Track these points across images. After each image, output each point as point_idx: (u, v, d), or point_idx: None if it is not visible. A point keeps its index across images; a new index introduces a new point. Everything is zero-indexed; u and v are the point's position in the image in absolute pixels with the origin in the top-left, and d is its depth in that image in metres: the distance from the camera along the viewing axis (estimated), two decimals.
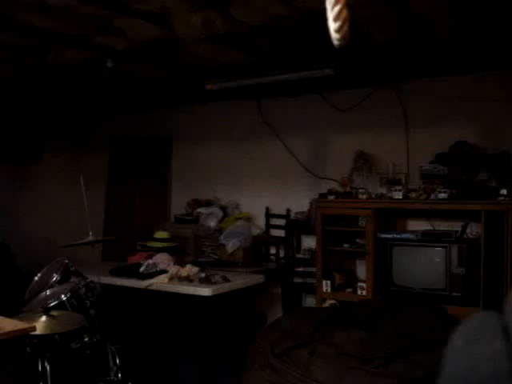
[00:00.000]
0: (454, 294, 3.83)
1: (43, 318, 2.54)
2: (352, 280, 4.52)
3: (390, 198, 4.22)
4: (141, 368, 3.46)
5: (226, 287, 3.72)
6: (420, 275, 3.99)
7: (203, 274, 3.80)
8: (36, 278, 3.10)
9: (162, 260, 4.07)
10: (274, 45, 3.66)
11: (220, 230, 5.09)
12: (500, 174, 3.92)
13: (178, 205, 5.84)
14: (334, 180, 4.75)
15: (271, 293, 4.96)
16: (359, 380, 2.74)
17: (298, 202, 4.95)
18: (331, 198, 4.52)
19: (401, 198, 4.17)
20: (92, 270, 3.58)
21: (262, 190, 5.28)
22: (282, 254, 5.06)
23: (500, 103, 4.11)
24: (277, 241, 5.10)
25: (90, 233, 3.29)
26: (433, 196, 4.02)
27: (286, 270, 4.90)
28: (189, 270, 3.86)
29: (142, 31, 3.32)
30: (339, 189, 4.60)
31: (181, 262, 4.14)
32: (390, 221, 4.42)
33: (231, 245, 4.75)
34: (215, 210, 5.37)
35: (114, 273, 3.99)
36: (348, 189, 4.57)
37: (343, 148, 4.83)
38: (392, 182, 4.34)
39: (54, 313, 2.61)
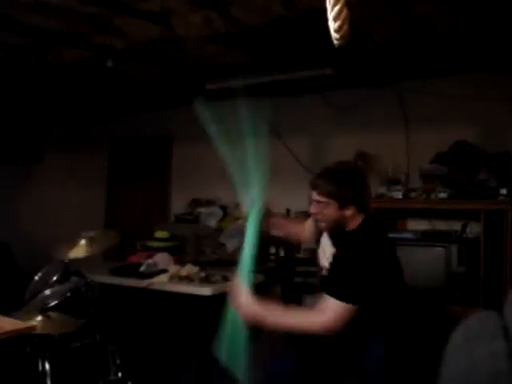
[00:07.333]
0: (454, 293, 3.83)
1: (39, 318, 2.54)
2: None
3: (390, 197, 4.22)
4: (141, 368, 3.47)
5: (226, 287, 3.71)
6: (420, 275, 3.98)
7: (203, 274, 3.80)
8: (36, 278, 3.10)
9: (162, 260, 4.07)
10: (274, 45, 3.66)
11: (220, 230, 5.08)
12: (500, 174, 3.92)
13: (177, 205, 5.84)
14: None
15: (271, 293, 4.96)
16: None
17: (298, 201, 4.95)
18: None
19: (401, 197, 4.17)
20: (92, 269, 3.58)
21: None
22: (282, 253, 5.06)
23: (500, 103, 4.11)
24: (277, 240, 5.10)
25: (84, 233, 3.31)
26: (433, 196, 4.02)
27: (286, 269, 4.90)
28: (189, 269, 3.86)
29: (142, 31, 3.32)
30: None
31: (181, 262, 4.14)
32: (390, 220, 4.41)
33: (231, 244, 4.74)
34: (215, 209, 5.37)
35: (114, 273, 3.99)
36: None
37: (343, 148, 4.82)
38: (392, 182, 4.34)
39: (50, 314, 2.60)
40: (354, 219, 2.18)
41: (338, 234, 2.24)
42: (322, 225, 2.25)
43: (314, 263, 4.54)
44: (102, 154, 6.59)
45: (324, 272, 2.30)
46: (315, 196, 2.19)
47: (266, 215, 2.40)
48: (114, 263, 4.29)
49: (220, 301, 3.67)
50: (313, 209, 2.22)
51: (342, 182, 2.15)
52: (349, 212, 2.16)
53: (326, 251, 2.32)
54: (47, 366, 2.50)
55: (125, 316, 3.80)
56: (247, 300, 2.13)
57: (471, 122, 4.28)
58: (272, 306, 2.13)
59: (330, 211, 2.16)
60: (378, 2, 2.84)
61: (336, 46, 1.05)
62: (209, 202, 5.50)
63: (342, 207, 2.15)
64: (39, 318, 2.55)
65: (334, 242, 2.27)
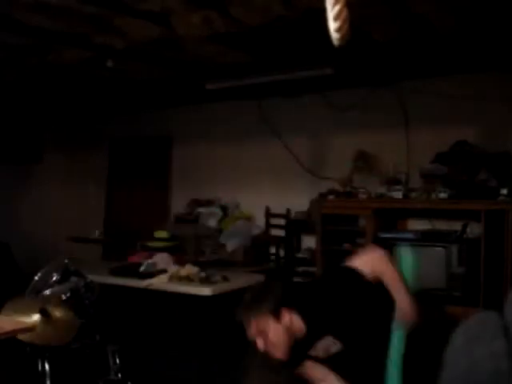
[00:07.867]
0: (454, 293, 3.83)
1: (38, 319, 2.51)
2: None
3: (390, 197, 4.22)
4: (141, 368, 3.46)
5: (226, 287, 3.71)
6: (420, 275, 3.98)
7: (203, 274, 3.79)
8: (36, 278, 3.09)
9: (161, 260, 4.07)
10: (274, 45, 3.66)
11: (220, 230, 5.08)
12: (500, 174, 3.91)
13: (177, 205, 5.84)
14: (334, 180, 4.75)
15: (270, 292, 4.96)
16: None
17: (298, 201, 4.95)
18: (331, 197, 4.52)
19: (401, 197, 4.17)
20: (92, 269, 3.58)
21: (262, 190, 5.28)
22: (282, 253, 5.05)
23: (500, 103, 4.11)
24: (277, 240, 5.10)
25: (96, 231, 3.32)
26: (433, 196, 4.02)
27: (286, 269, 4.90)
28: (189, 269, 3.85)
29: (142, 31, 3.32)
30: (339, 189, 4.60)
31: (181, 262, 4.14)
32: (390, 220, 4.41)
33: (231, 244, 4.74)
34: (215, 209, 5.37)
35: (114, 273, 3.99)
36: (348, 189, 4.56)
37: (343, 148, 4.82)
38: (392, 182, 4.34)
39: (50, 312, 2.58)
40: (296, 324, 2.12)
41: (327, 327, 2.15)
42: (278, 354, 2.14)
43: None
44: (102, 154, 6.59)
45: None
46: (254, 326, 2.12)
47: None
48: (113, 263, 4.29)
49: (220, 301, 3.68)
50: (260, 344, 2.13)
51: (259, 295, 2.21)
52: (286, 318, 2.11)
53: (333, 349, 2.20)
54: (47, 366, 2.49)
55: (125, 316, 3.80)
56: None
57: (471, 122, 4.28)
58: None
59: (274, 331, 2.10)
60: (378, 1, 2.84)
61: (336, 46, 1.05)
62: (209, 202, 5.50)
63: (277, 316, 2.10)
64: (39, 319, 2.53)
65: (334, 333, 2.16)
